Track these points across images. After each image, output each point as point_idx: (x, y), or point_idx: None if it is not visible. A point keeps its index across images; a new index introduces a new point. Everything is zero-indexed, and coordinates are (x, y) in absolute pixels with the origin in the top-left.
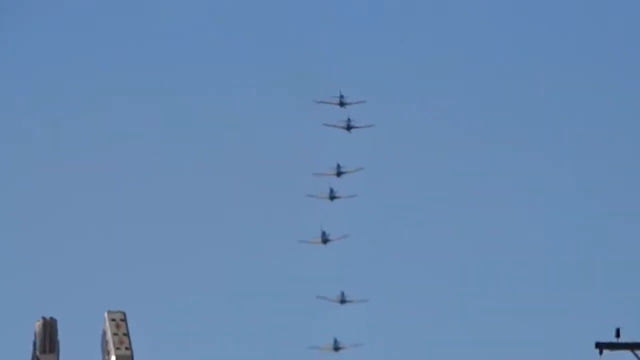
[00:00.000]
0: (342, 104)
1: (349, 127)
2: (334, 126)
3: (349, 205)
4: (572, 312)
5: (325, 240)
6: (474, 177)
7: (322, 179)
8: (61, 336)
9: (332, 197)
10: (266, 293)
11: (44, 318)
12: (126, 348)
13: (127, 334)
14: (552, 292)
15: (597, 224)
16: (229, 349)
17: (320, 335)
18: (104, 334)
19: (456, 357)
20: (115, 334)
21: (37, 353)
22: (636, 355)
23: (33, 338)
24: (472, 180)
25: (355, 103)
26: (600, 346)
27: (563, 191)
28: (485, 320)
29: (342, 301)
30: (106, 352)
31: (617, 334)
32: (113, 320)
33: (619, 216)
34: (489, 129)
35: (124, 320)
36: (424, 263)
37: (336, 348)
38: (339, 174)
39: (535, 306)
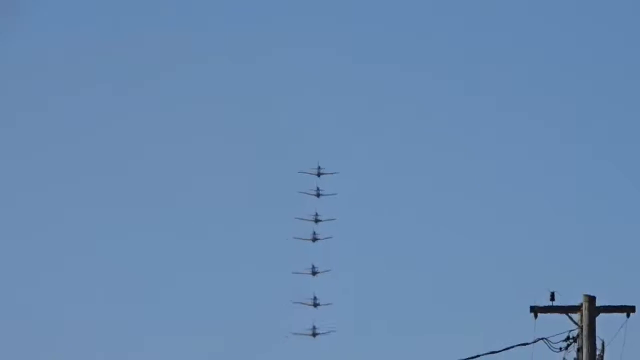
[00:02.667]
0: (319, 175)
1: (318, 195)
2: (307, 193)
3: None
4: (507, 276)
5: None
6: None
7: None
8: None
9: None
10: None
11: None
12: None
13: None
14: (487, 257)
15: (535, 187)
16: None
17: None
18: None
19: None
20: None
21: None
22: (571, 318)
23: None
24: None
25: (330, 173)
26: (535, 310)
27: (497, 157)
28: (421, 282)
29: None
30: None
31: (552, 298)
32: None
33: (557, 177)
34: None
35: None
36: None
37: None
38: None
39: (470, 271)
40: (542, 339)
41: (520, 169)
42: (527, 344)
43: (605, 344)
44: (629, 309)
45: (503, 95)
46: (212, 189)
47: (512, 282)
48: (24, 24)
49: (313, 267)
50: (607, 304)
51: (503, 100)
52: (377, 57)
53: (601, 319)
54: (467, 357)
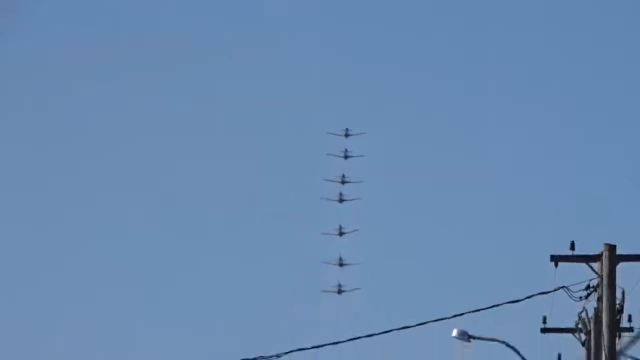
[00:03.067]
0: (347, 136)
1: (346, 157)
2: (334, 155)
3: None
4: (528, 225)
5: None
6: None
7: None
8: None
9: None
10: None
11: None
12: None
13: None
14: (507, 206)
15: (554, 139)
16: None
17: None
18: None
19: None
20: None
21: None
22: (591, 267)
23: None
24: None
25: (357, 134)
26: (556, 259)
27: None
28: (441, 233)
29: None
30: None
31: (572, 247)
32: None
33: (575, 130)
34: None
35: None
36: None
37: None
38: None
39: (491, 220)
40: (562, 287)
41: (520, 168)
42: (547, 292)
43: (625, 293)
44: None
45: (503, 95)
46: (237, 153)
47: (533, 231)
48: (24, 24)
49: (340, 227)
50: (627, 253)
51: (503, 100)
52: (377, 57)
53: (622, 268)
54: (488, 305)
